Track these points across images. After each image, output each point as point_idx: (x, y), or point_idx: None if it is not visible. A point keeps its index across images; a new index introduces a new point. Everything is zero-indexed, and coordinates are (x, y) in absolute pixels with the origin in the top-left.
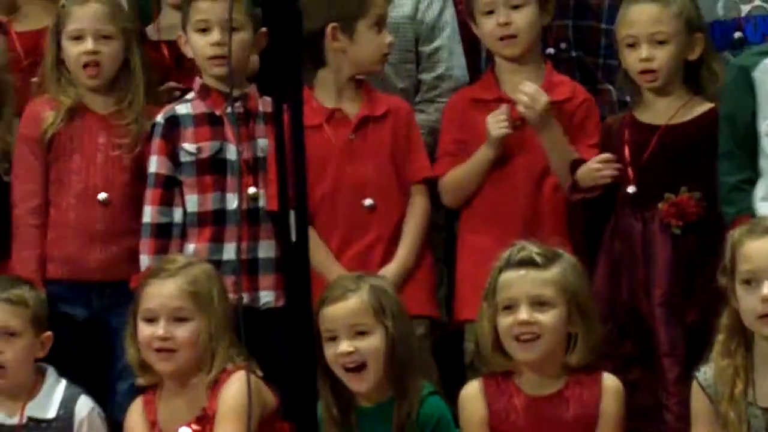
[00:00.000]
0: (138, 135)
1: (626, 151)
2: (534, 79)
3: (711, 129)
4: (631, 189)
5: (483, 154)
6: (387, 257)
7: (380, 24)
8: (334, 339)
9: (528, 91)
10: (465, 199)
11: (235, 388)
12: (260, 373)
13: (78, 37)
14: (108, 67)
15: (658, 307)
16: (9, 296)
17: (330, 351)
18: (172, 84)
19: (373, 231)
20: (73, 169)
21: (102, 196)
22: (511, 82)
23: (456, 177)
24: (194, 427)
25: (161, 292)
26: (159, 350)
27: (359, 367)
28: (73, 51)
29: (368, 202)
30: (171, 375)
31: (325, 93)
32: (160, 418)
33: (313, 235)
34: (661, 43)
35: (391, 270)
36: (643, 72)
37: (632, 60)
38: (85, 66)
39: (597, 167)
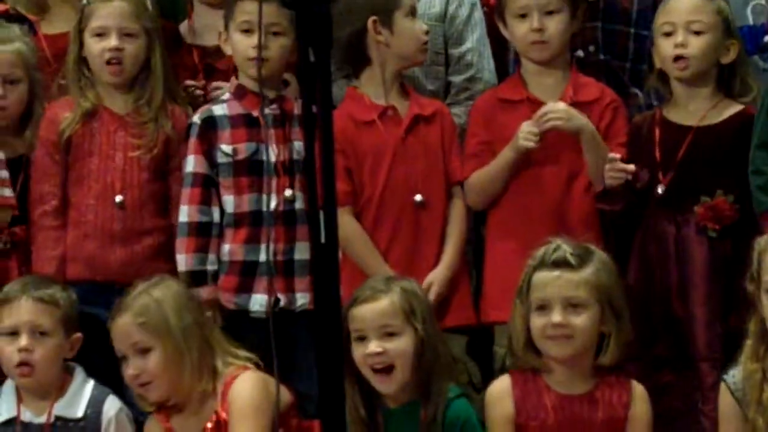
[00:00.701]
0: (156, 134)
1: (657, 152)
2: (561, 82)
3: (744, 130)
4: (660, 189)
5: (506, 156)
6: (435, 255)
7: (413, 13)
8: (363, 339)
9: (545, 110)
10: (490, 200)
11: (244, 388)
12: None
13: (101, 34)
14: (130, 65)
15: (698, 309)
16: (41, 295)
17: (358, 351)
18: (189, 83)
19: (422, 228)
20: (91, 170)
21: (118, 198)
22: (539, 84)
23: (480, 178)
24: (210, 426)
25: (119, 331)
26: (139, 385)
27: (387, 369)
28: (96, 47)
29: (419, 198)
30: (165, 400)
31: (372, 91)
32: (174, 426)
33: (363, 235)
34: (698, 33)
35: (438, 275)
36: (676, 59)
37: (667, 46)
38: (108, 63)
39: (608, 168)
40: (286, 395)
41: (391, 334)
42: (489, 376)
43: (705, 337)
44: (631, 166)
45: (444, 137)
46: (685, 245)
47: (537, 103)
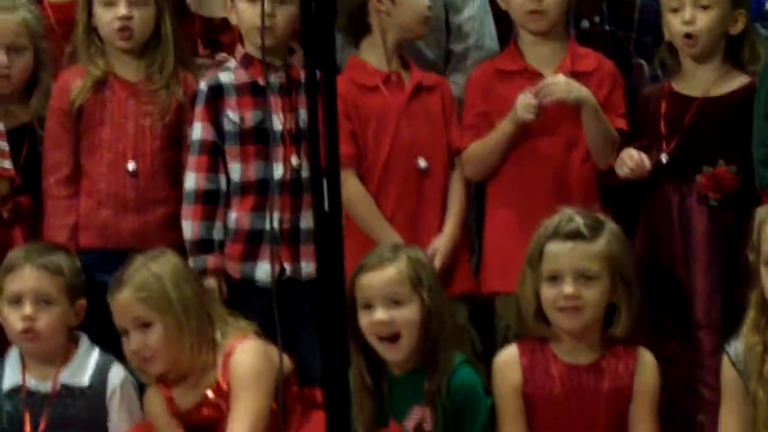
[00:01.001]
0: (168, 101)
1: (662, 125)
2: (558, 52)
3: (750, 102)
4: (663, 158)
5: (504, 128)
6: (437, 222)
7: None
8: (369, 307)
9: (545, 83)
10: (488, 171)
11: (244, 357)
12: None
13: (110, 3)
14: (140, 33)
15: (699, 278)
16: (45, 263)
17: (365, 319)
18: (201, 61)
19: (425, 195)
20: (103, 139)
21: (131, 166)
22: (535, 54)
23: (478, 150)
24: (210, 395)
25: (119, 306)
26: (141, 359)
27: (393, 337)
28: (105, 16)
29: (423, 164)
30: (165, 373)
31: (373, 60)
32: (174, 393)
33: (367, 197)
34: (705, 8)
35: (442, 243)
36: (685, 36)
37: (675, 22)
38: (119, 30)
39: (625, 157)
40: (286, 363)
41: (397, 303)
42: (489, 347)
43: (704, 307)
44: (647, 163)
45: (445, 107)
46: (688, 215)
47: (534, 74)
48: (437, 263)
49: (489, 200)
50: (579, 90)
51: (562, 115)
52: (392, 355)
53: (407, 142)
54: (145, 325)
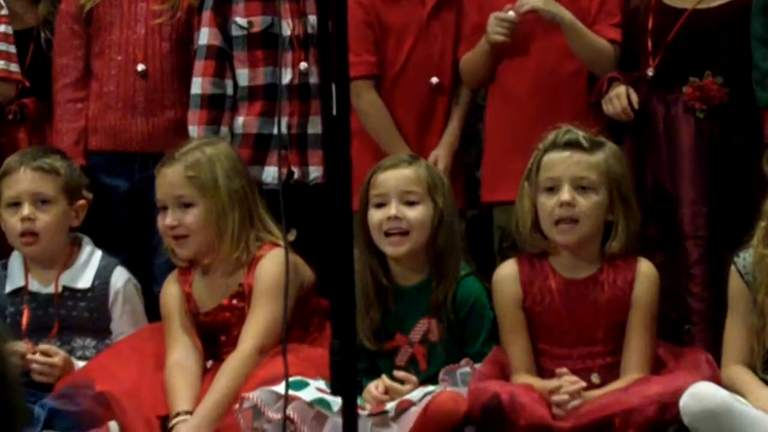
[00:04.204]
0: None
1: (649, 41)
2: None
3: (739, 15)
4: (650, 72)
5: (482, 44)
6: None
7: None
8: (382, 206)
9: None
10: (479, 81)
11: (271, 264)
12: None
13: None
14: None
15: (684, 188)
16: (40, 164)
17: (376, 216)
18: None
19: (435, 111)
20: (113, 41)
21: (141, 67)
22: None
23: (467, 62)
24: (235, 302)
25: (165, 181)
26: (174, 237)
27: (402, 233)
28: None
29: (435, 80)
30: (193, 258)
31: None
32: (195, 291)
33: (385, 115)
34: None
35: (442, 150)
36: None
37: None
38: None
39: (614, 97)
40: (308, 275)
41: (411, 203)
42: (485, 256)
43: (690, 217)
44: (635, 104)
45: (461, 20)
46: (674, 125)
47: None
48: (441, 167)
49: (487, 110)
50: (557, 6)
51: (553, 27)
52: (395, 249)
53: (422, 59)
54: (187, 205)
